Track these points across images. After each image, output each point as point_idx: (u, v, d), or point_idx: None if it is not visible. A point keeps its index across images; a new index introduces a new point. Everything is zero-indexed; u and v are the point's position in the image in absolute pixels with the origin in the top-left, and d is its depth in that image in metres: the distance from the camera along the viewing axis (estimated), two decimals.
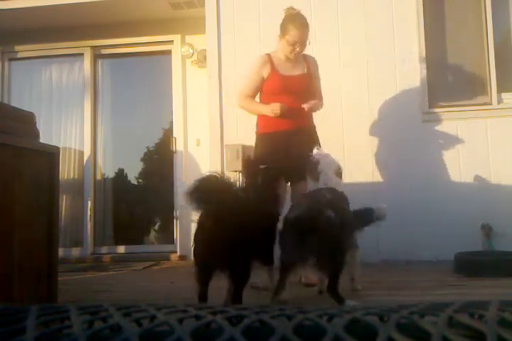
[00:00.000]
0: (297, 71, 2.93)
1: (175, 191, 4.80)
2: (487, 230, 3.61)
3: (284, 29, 2.84)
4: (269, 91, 2.93)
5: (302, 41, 2.80)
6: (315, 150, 2.62)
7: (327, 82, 3.85)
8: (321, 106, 3.01)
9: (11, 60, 5.18)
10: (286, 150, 2.81)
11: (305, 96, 2.88)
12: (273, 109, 2.78)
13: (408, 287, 2.65)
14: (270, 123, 2.89)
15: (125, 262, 4.36)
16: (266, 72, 2.92)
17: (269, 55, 2.96)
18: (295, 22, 2.80)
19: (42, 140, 2.30)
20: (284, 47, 2.86)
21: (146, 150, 5.35)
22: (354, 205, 3.74)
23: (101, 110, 5.11)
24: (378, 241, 3.72)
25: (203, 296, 1.99)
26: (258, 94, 3.02)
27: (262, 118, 2.96)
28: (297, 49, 2.82)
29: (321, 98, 3.02)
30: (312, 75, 2.98)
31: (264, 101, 2.96)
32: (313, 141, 2.86)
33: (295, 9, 2.89)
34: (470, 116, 3.82)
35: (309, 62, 2.99)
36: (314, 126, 3.05)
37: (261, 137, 2.96)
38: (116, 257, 4.62)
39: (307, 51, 3.00)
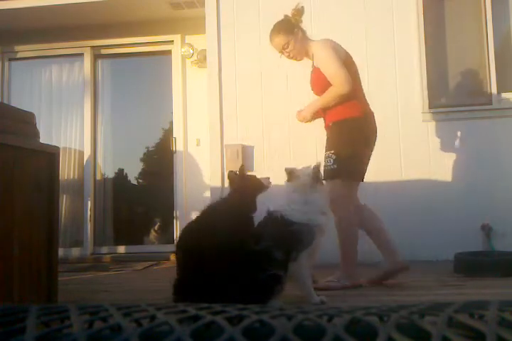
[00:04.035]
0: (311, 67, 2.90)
1: (175, 191, 4.81)
2: (487, 230, 3.61)
3: None
4: None
5: (280, 49, 2.83)
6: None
7: None
8: (343, 90, 2.64)
9: (11, 60, 5.18)
10: None
11: (319, 91, 2.80)
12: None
13: (408, 287, 2.65)
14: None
15: (125, 262, 4.36)
16: None
17: None
18: (269, 35, 2.87)
19: (42, 140, 2.29)
20: None
21: (146, 150, 5.35)
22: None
23: (101, 110, 5.11)
24: None
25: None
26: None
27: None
28: (285, 54, 2.85)
29: (333, 83, 2.66)
30: (319, 68, 2.75)
31: None
32: (332, 140, 2.79)
33: (284, 16, 2.86)
34: (470, 116, 3.81)
35: (313, 54, 2.82)
36: (340, 122, 2.75)
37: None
38: (116, 257, 4.62)
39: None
